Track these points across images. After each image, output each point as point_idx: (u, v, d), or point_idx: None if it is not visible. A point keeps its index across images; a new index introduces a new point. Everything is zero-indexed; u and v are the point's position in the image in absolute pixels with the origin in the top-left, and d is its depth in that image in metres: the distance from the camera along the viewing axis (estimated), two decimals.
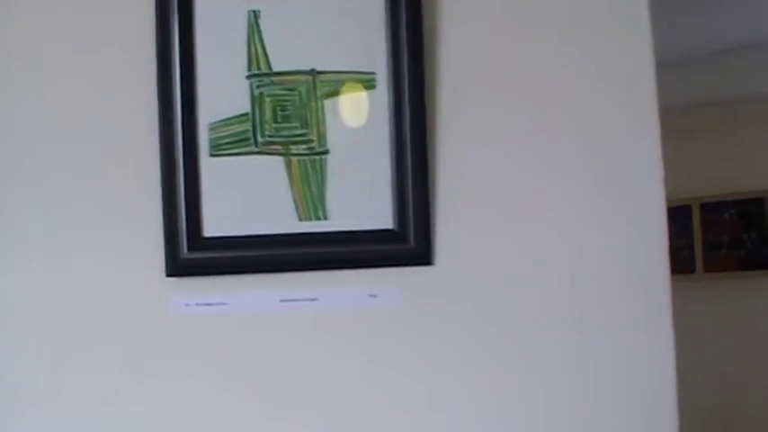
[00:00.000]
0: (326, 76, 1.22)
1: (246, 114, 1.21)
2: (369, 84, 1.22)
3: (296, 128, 1.21)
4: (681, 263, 5.11)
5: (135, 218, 1.23)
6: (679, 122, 5.20)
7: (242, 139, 1.21)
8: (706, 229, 5.00)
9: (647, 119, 1.28)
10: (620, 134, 1.27)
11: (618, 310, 1.25)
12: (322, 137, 1.21)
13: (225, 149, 1.21)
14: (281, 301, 1.22)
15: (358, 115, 1.22)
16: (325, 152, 1.21)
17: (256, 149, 1.21)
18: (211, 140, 1.21)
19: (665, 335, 1.27)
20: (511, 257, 1.23)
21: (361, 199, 1.21)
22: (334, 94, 1.22)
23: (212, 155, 1.21)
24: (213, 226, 1.21)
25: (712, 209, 4.98)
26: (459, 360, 1.22)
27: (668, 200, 4.69)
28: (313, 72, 1.21)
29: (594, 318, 1.24)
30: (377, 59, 1.21)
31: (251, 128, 1.21)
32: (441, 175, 1.23)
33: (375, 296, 1.22)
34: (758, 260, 4.82)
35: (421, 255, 1.20)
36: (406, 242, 1.20)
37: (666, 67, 4.85)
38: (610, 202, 1.26)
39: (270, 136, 1.21)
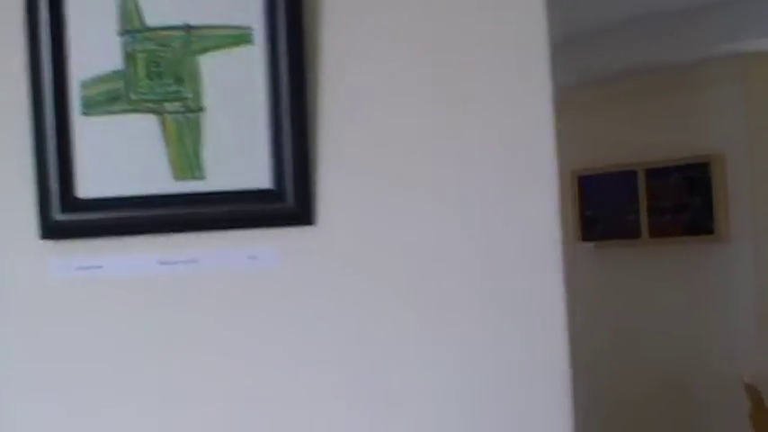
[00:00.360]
0: (201, 31, 1.18)
1: (119, 71, 1.17)
2: (245, 38, 1.18)
3: (170, 85, 1.18)
4: (626, 228, 5.15)
5: (7, 179, 1.19)
6: (624, 87, 5.24)
7: (115, 97, 1.17)
8: (651, 195, 5.03)
9: (539, 86, 1.24)
10: (513, 102, 1.24)
11: (507, 276, 1.23)
12: (197, 94, 1.18)
13: (98, 108, 1.17)
14: (160, 263, 1.20)
15: (234, 71, 1.18)
16: (201, 110, 1.18)
17: (130, 108, 1.18)
18: (83, 99, 1.17)
19: (557, 305, 1.24)
20: (395, 219, 1.21)
21: (239, 158, 1.19)
22: (210, 49, 1.18)
23: (84, 113, 1.17)
24: (87, 187, 1.17)
25: (658, 174, 5.01)
26: (340, 321, 1.20)
27: (614, 165, 4.75)
28: (187, 27, 1.18)
29: (482, 284, 1.23)
30: (253, 13, 1.18)
31: (124, 85, 1.17)
32: (323, 133, 1.20)
33: (255, 257, 1.20)
34: (702, 225, 4.86)
35: (300, 214, 1.18)
36: (285, 202, 1.17)
37: (609, 32, 4.87)
38: (501, 168, 1.23)
39: (143, 93, 1.18)
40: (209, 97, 1.18)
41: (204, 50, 1.18)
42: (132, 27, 1.17)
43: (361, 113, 1.22)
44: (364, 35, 1.22)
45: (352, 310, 1.21)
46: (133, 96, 1.17)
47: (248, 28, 1.18)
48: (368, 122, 1.22)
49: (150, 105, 1.18)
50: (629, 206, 5.12)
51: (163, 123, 1.17)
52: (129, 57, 1.17)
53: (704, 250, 4.94)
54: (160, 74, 1.18)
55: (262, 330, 1.20)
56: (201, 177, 1.18)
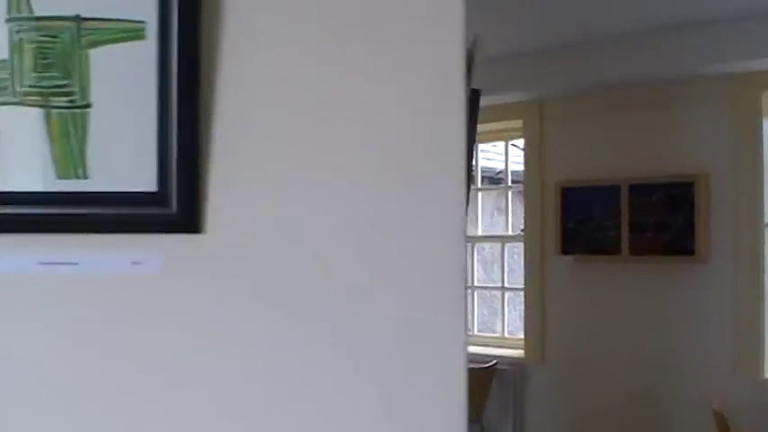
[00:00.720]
0: (92, 23, 1.12)
1: (5, 61, 1.12)
2: (137, 33, 1.12)
3: (57, 78, 1.12)
4: (607, 243, 5.10)
5: None
6: (611, 101, 5.18)
7: (0, 87, 1.12)
8: (634, 211, 4.98)
9: (450, 81, 1.17)
10: (418, 103, 1.18)
11: (407, 289, 1.17)
12: (84, 89, 1.12)
13: None
14: (39, 263, 1.14)
15: (125, 67, 1.13)
16: (88, 106, 1.12)
17: (15, 100, 1.12)
18: None
19: (458, 320, 1.17)
20: (287, 229, 1.16)
21: (125, 158, 1.13)
22: (100, 42, 1.12)
23: None
24: None
25: (641, 190, 4.95)
26: (223, 331, 1.15)
27: (598, 179, 4.71)
28: (77, 18, 1.12)
29: (379, 299, 1.16)
30: (147, 7, 1.12)
31: (10, 76, 1.12)
32: (218, 138, 1.15)
33: (139, 263, 1.14)
34: (683, 245, 4.81)
35: (184, 222, 1.12)
36: (169, 207, 1.12)
37: (597, 45, 4.83)
38: (404, 175, 1.17)
39: (30, 86, 1.12)
40: (98, 93, 1.12)
41: (95, 44, 1.12)
42: (20, 14, 1.12)
43: (261, 120, 1.16)
44: (267, 34, 1.16)
45: (237, 320, 1.15)
46: (19, 88, 1.12)
47: (141, 22, 1.12)
48: (267, 130, 1.16)
49: (36, 99, 1.12)
50: (610, 221, 5.06)
51: (48, 118, 1.12)
52: (16, 46, 1.12)
53: (684, 270, 4.88)
54: (47, 66, 1.12)
55: (142, 337, 1.15)
56: (85, 177, 1.12)
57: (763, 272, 4.66)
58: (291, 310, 1.15)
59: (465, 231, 1.16)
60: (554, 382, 5.52)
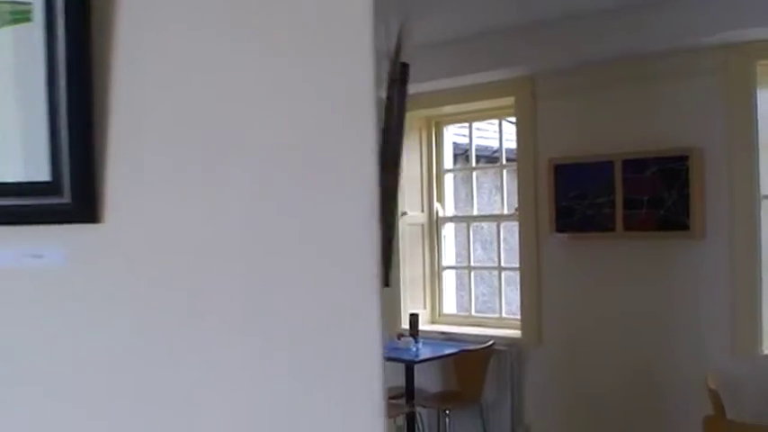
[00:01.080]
0: None
1: None
2: (24, 16, 1.07)
3: None
4: (601, 220, 5.03)
5: None
6: (603, 76, 5.09)
7: None
8: (627, 187, 4.90)
9: (359, 59, 1.11)
10: (323, 83, 1.12)
11: (316, 272, 1.11)
12: None
13: None
14: None
15: (13, 51, 1.07)
16: None
17: None
18: None
19: (370, 300, 1.11)
20: (191, 216, 1.10)
21: (17, 147, 1.07)
22: None
23: None
24: None
25: (634, 165, 4.87)
26: (127, 323, 1.10)
27: (591, 155, 4.61)
28: None
29: (287, 285, 1.11)
30: None
31: None
32: (114, 123, 1.09)
33: (40, 256, 1.09)
34: (677, 221, 4.73)
35: (80, 211, 1.07)
36: (62, 197, 1.06)
37: (586, 19, 4.73)
38: (310, 156, 1.11)
39: None
40: None
41: None
42: None
43: (160, 105, 1.10)
44: (164, 15, 1.10)
45: (138, 310, 1.10)
46: None
47: (27, 3, 1.06)
48: (166, 115, 1.10)
49: None
50: (604, 198, 4.98)
51: None
52: None
53: (679, 246, 4.81)
54: None
55: (46, 330, 1.10)
56: None
57: (760, 247, 4.58)
58: (194, 298, 1.10)
59: (376, 211, 1.10)
60: (551, 362, 5.47)
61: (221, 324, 1.11)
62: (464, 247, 6.55)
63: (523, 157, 5.53)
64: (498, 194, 6.37)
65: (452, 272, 6.63)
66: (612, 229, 4.98)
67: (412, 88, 4.72)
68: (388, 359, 5.49)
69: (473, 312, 6.39)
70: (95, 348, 1.11)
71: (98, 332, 1.10)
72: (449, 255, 6.60)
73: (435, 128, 6.49)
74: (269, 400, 1.11)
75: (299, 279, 1.11)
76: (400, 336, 5.98)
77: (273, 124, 1.10)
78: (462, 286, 6.72)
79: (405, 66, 1.31)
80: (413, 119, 6.37)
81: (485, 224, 6.44)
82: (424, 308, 6.48)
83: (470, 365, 5.54)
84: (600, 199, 5.00)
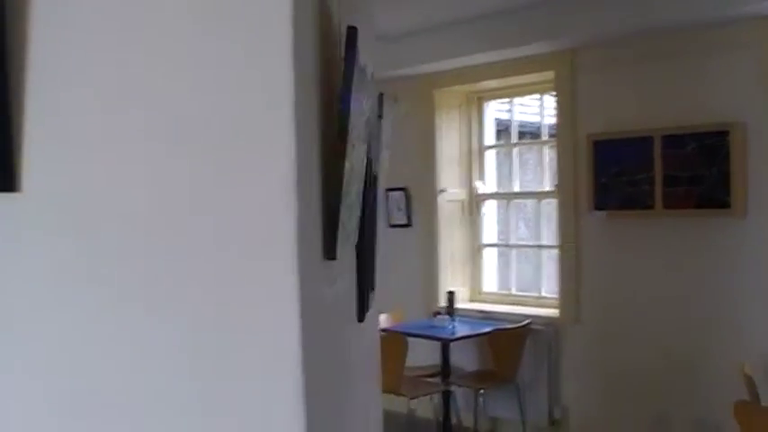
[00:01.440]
0: None
1: None
2: None
3: None
4: (640, 198, 4.89)
5: None
6: (642, 49, 4.93)
7: None
8: (667, 163, 4.74)
9: (277, 41, 1.06)
10: (240, 54, 1.07)
11: (236, 236, 1.07)
12: None
13: None
14: None
15: None
16: None
17: None
18: None
19: (286, 272, 1.07)
20: (108, 185, 1.08)
21: None
22: None
23: None
24: None
25: (674, 141, 4.72)
26: (44, 291, 1.08)
27: (629, 131, 4.50)
28: None
29: (199, 252, 1.07)
30: None
31: None
32: (32, 94, 1.07)
33: None
34: (718, 198, 4.57)
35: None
36: None
37: None
38: (223, 127, 1.07)
39: None
40: None
41: None
42: None
43: (77, 75, 1.07)
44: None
45: (61, 281, 1.08)
46: None
47: None
48: (84, 85, 1.07)
49: None
50: (643, 174, 4.84)
51: None
52: None
53: (719, 224, 4.65)
54: None
55: None
56: None
57: None
58: (112, 266, 1.08)
59: (296, 182, 1.05)
60: (589, 342, 5.36)
61: (135, 288, 1.08)
62: (507, 225, 6.45)
63: (563, 133, 5.41)
64: (541, 171, 6.24)
65: (494, 250, 6.54)
66: (651, 207, 4.83)
67: (451, 63, 4.66)
68: (424, 337, 5.47)
69: (513, 291, 6.30)
70: (10, 317, 1.09)
71: (17, 300, 1.09)
72: (490, 232, 6.51)
73: (476, 103, 6.39)
74: (184, 370, 1.08)
75: (208, 244, 1.07)
76: (437, 314, 5.93)
77: (186, 101, 1.07)
78: (506, 265, 6.62)
79: (351, 29, 1.25)
80: (452, 94, 6.28)
81: (529, 201, 6.31)
82: (464, 286, 6.41)
83: (506, 344, 5.47)
84: (639, 176, 4.86)
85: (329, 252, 1.27)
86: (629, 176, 4.92)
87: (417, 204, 6.47)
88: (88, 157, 1.08)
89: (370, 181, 2.03)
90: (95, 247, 1.08)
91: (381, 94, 2.58)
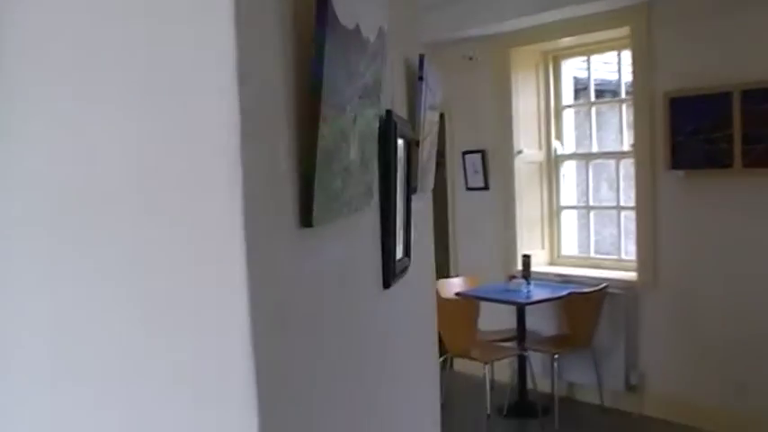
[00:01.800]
0: None
1: None
2: None
3: None
4: (718, 156, 4.69)
5: None
6: (718, 1, 4.69)
7: None
8: (747, 120, 4.52)
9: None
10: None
11: (176, 206, 1.05)
12: None
13: None
14: None
15: None
16: None
17: None
18: None
19: (231, 241, 1.04)
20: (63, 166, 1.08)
21: None
22: None
23: None
24: None
25: (754, 97, 4.48)
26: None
27: (706, 87, 4.33)
28: None
29: (152, 227, 1.07)
30: None
31: None
32: None
33: None
34: None
35: None
36: None
37: None
38: (166, 101, 1.05)
39: None
40: None
41: None
42: None
43: (31, 54, 1.08)
44: None
45: (15, 261, 1.09)
46: None
47: None
48: (38, 64, 1.07)
49: None
50: (721, 133, 4.63)
51: None
52: None
53: None
54: None
55: None
56: None
57: None
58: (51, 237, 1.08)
59: (239, 152, 1.03)
60: (667, 306, 5.20)
61: (93, 266, 1.09)
62: (586, 187, 6.30)
63: (639, 91, 5.22)
64: (620, 131, 6.05)
65: (573, 212, 6.40)
66: (730, 166, 4.63)
67: (526, 21, 4.53)
68: (498, 301, 5.42)
69: (592, 254, 6.16)
70: None
71: None
72: (569, 194, 6.37)
73: (553, 62, 6.22)
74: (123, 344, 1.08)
75: (160, 217, 1.06)
76: (512, 277, 5.86)
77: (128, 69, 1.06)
78: (585, 227, 6.48)
79: None
80: (528, 53, 6.13)
81: (612, 161, 6.14)
82: (542, 249, 6.31)
83: (581, 309, 5.36)
84: (716, 134, 4.65)
85: (308, 220, 1.25)
86: (706, 134, 4.71)
87: (494, 167, 6.38)
88: (46, 139, 1.08)
89: (393, 145, 2.00)
90: (31, 220, 1.09)
91: (422, 56, 2.53)
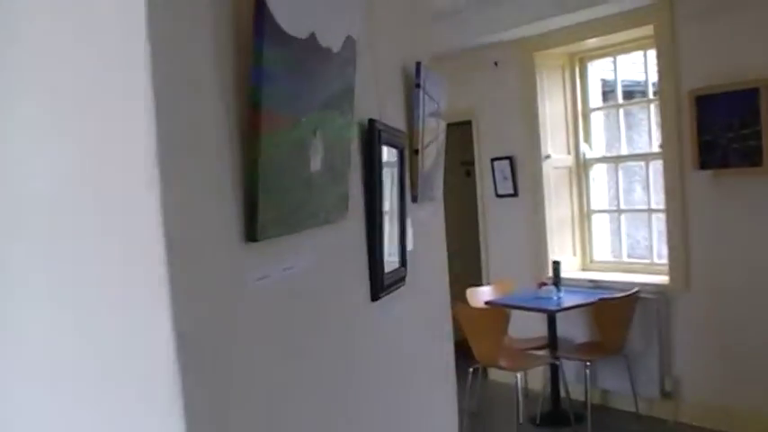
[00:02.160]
0: None
1: None
2: None
3: None
4: (746, 154, 4.56)
5: None
6: None
7: None
8: None
9: None
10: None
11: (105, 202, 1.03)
12: None
13: None
14: None
15: None
16: None
17: None
18: None
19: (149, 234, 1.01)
20: None
21: None
22: None
23: None
24: None
25: None
26: None
27: (733, 82, 4.23)
28: None
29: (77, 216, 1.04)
30: None
31: None
32: None
33: None
34: None
35: None
36: None
37: None
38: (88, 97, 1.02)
39: None
40: None
41: None
42: None
43: None
44: None
45: None
46: None
47: None
48: None
49: None
50: (749, 130, 4.50)
51: None
52: None
53: None
54: None
55: None
56: None
57: None
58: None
59: (153, 147, 0.99)
60: (701, 310, 5.06)
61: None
62: (616, 190, 6.18)
63: (665, 90, 5.10)
64: (649, 132, 5.93)
65: (604, 216, 6.28)
66: (759, 164, 4.49)
67: (548, 24, 4.47)
68: (528, 309, 5.33)
69: (624, 258, 6.04)
70: None
71: None
72: (600, 198, 6.26)
73: (579, 64, 6.13)
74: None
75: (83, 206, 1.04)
76: (542, 284, 5.77)
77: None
78: (617, 231, 6.35)
79: None
80: (553, 56, 6.05)
81: (639, 164, 6.01)
82: (574, 255, 6.20)
83: (612, 315, 5.25)
84: (744, 131, 4.52)
85: (250, 234, 1.22)
86: (733, 132, 4.58)
87: (523, 173, 6.29)
88: None
89: (378, 154, 1.96)
90: None
91: (419, 63, 2.49)
